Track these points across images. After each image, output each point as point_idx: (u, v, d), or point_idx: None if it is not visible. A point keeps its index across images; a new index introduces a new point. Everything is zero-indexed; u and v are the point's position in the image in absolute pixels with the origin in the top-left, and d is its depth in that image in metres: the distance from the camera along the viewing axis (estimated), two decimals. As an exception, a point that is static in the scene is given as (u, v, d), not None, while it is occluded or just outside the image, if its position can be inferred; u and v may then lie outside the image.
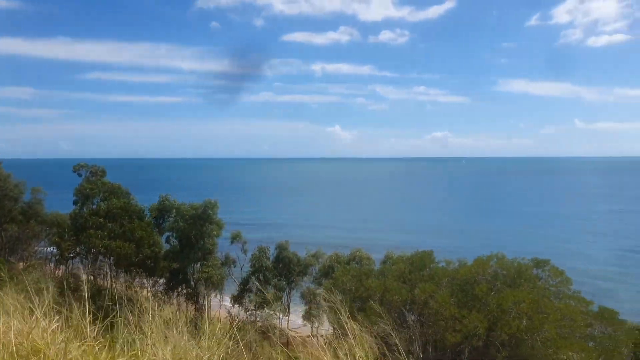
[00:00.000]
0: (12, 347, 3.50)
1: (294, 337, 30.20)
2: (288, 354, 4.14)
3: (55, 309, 4.04)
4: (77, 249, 36.55)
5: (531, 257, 20.06)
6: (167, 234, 35.93)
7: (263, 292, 31.89)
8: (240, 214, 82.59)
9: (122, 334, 3.94)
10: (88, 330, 3.83)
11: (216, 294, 34.94)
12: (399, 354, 3.71)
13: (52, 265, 41.16)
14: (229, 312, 33.61)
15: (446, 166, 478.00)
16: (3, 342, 3.57)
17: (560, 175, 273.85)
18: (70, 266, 39.83)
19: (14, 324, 3.74)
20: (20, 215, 38.39)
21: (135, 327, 3.95)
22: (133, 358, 3.67)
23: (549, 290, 18.57)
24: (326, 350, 3.56)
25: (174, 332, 3.87)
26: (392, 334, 4.04)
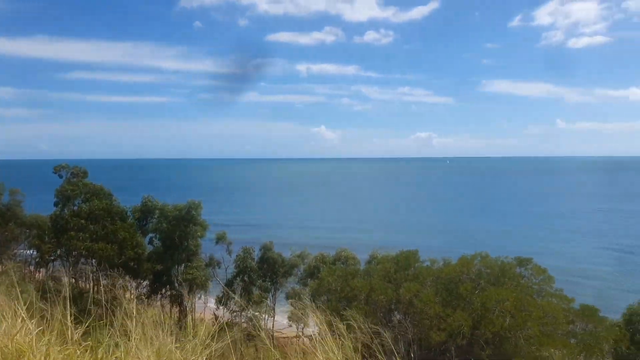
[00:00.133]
0: None
1: (280, 337, 30.15)
2: (274, 355, 4.11)
3: (38, 312, 3.96)
4: (58, 251, 35.94)
5: (514, 256, 20.31)
6: (150, 235, 35.55)
7: (248, 293, 31.75)
8: (225, 215, 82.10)
9: (105, 337, 3.87)
10: (69, 333, 3.75)
11: (200, 296, 34.66)
12: (384, 354, 3.70)
13: (32, 268, 40.39)
14: (213, 313, 33.37)
15: (430, 166, 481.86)
16: None
17: (543, 175, 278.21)
18: (51, 269, 39.14)
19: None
20: (-2, 218, 37.64)
21: (119, 330, 3.89)
22: None
23: (531, 288, 18.83)
24: (312, 350, 3.55)
25: (159, 334, 3.82)
26: (381, 332, 4.04)
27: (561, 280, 21.62)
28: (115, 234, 31.90)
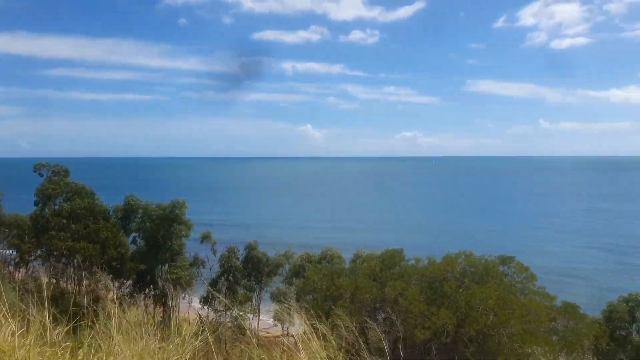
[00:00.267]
0: None
1: (265, 337, 30.06)
2: (259, 354, 4.08)
3: (18, 312, 3.88)
4: (38, 251, 35.33)
5: (498, 255, 20.53)
6: (133, 234, 35.16)
7: (233, 293, 31.60)
8: (210, 215, 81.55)
9: (87, 338, 3.81)
10: (49, 334, 3.68)
11: (185, 295, 34.40)
12: (369, 352, 3.70)
13: (11, 268, 39.63)
14: (198, 313, 33.13)
15: (415, 165, 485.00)
16: None
17: (526, 175, 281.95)
18: (31, 269, 38.45)
19: None
20: (-24, 217, 36.86)
21: (101, 330, 3.83)
22: None
23: (515, 286, 19.06)
24: (297, 349, 3.53)
25: (141, 334, 3.77)
26: (366, 331, 4.03)
27: (545, 279, 21.91)
28: (97, 234, 31.48)
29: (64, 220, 31.99)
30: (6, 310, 3.75)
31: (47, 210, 33.58)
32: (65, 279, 35.50)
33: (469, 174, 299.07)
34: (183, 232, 32.87)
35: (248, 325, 32.35)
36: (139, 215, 34.71)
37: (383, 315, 18.00)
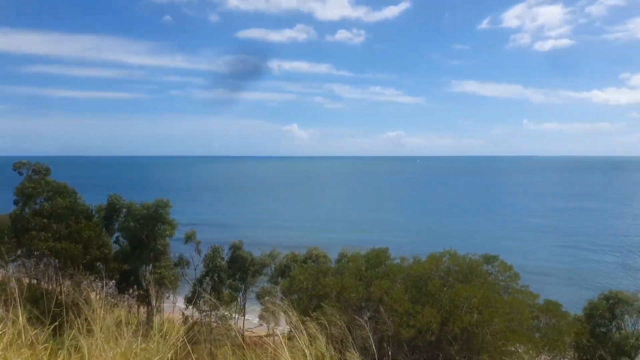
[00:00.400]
0: None
1: (251, 336, 29.95)
2: (245, 353, 4.04)
3: None
4: (19, 252, 34.60)
5: (482, 253, 20.73)
6: (116, 234, 34.70)
7: (218, 293, 31.39)
8: (194, 214, 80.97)
9: (68, 338, 3.74)
10: (29, 335, 3.59)
11: (169, 295, 34.08)
12: (355, 351, 3.70)
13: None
14: (182, 313, 32.86)
15: (401, 165, 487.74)
16: None
17: (508, 174, 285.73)
18: (11, 270, 37.65)
19: None
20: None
21: (81, 330, 3.76)
22: None
23: (498, 285, 19.26)
24: (282, 349, 3.51)
25: (124, 334, 3.72)
26: (351, 329, 4.02)
27: (526, 278, 22.15)
28: (79, 233, 30.94)
29: (45, 220, 31.37)
30: None
31: (27, 210, 32.91)
32: (46, 279, 34.86)
33: (453, 174, 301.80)
34: (167, 232, 32.54)
35: (234, 325, 32.19)
36: (122, 215, 34.27)
37: (369, 314, 18.05)
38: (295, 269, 25.01)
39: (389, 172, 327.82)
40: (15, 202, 33.53)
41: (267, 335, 29.54)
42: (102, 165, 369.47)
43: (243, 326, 33.37)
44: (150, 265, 32.43)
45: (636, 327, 20.88)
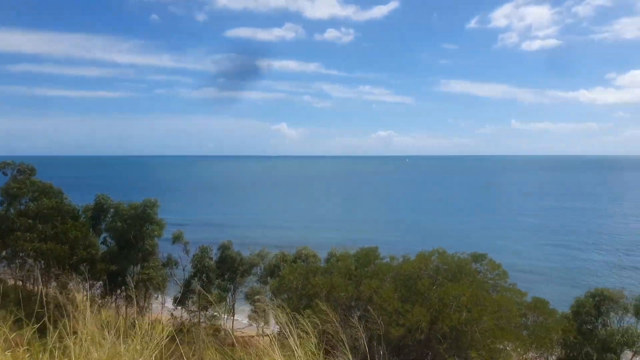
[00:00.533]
0: None
1: (240, 336, 29.81)
2: (235, 353, 4.00)
3: None
4: (4, 253, 34.10)
5: (470, 252, 20.84)
6: (103, 235, 34.34)
7: (206, 293, 31.21)
8: (183, 214, 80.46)
9: (51, 340, 3.68)
10: (11, 337, 3.52)
11: (157, 296, 33.80)
12: (345, 350, 3.68)
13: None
14: (171, 314, 32.62)
15: (390, 164, 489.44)
16: None
17: (497, 174, 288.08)
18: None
19: None
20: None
21: (69, 333, 3.70)
22: None
23: (487, 283, 19.39)
24: (272, 349, 3.47)
25: (110, 336, 3.66)
26: (339, 330, 4.00)
27: (513, 276, 22.33)
28: (66, 234, 30.56)
29: (30, 221, 30.95)
30: None
31: (12, 210, 32.45)
32: (32, 281, 34.40)
33: (442, 173, 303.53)
34: (155, 232, 32.28)
35: (223, 325, 32.03)
36: (109, 215, 33.92)
37: (358, 313, 18.05)
38: (285, 268, 24.96)
39: (378, 172, 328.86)
40: (0, 203, 33.06)
41: (256, 335, 29.44)
42: (91, 165, 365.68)
43: (232, 326, 33.22)
44: (139, 266, 32.15)
45: (621, 324, 21.14)
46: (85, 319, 3.75)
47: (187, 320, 31.92)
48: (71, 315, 3.84)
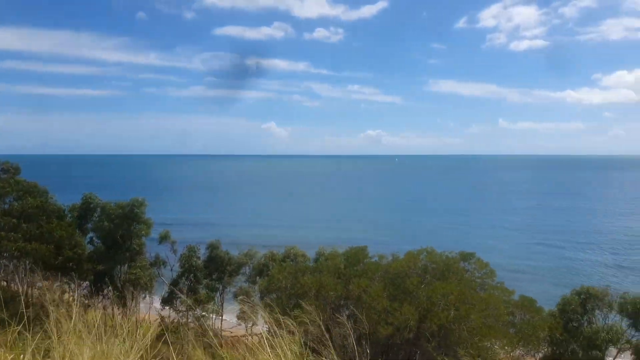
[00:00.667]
0: None
1: (229, 336, 29.68)
2: (223, 354, 3.97)
3: None
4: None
5: (459, 251, 20.98)
6: (90, 234, 33.97)
7: (194, 293, 31.03)
8: (171, 213, 79.95)
9: (31, 342, 3.62)
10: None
11: (145, 296, 33.54)
12: (334, 349, 3.67)
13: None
14: (158, 314, 32.37)
15: (379, 164, 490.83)
16: None
17: (484, 173, 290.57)
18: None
19: None
20: None
21: (55, 334, 3.64)
22: None
23: (475, 281, 19.52)
24: (261, 348, 3.45)
25: (97, 337, 3.61)
26: (324, 329, 3.99)
27: (501, 275, 22.52)
28: (51, 234, 30.14)
29: (15, 220, 30.45)
30: None
31: (-4, 210, 31.90)
32: (16, 281, 33.89)
33: (430, 172, 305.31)
34: (143, 232, 32.00)
35: (211, 325, 31.86)
36: (96, 215, 33.56)
37: (347, 312, 18.07)
38: (274, 268, 24.90)
39: (367, 171, 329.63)
40: (-17, 202, 32.50)
41: (244, 335, 29.35)
42: (78, 165, 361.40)
43: (221, 326, 33.07)
44: (126, 266, 31.86)
45: (606, 322, 21.44)
46: (70, 319, 3.70)
47: (175, 320, 31.70)
48: (55, 316, 3.78)
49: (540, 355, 21.49)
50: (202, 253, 33.21)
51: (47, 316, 3.84)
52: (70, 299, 30.82)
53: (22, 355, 3.43)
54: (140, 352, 3.48)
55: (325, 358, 3.72)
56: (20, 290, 31.76)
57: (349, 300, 18.33)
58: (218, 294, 33.24)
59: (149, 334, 3.59)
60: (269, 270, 26.94)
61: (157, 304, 33.85)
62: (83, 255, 31.93)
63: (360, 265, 20.02)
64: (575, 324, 21.44)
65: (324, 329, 3.89)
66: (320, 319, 4.09)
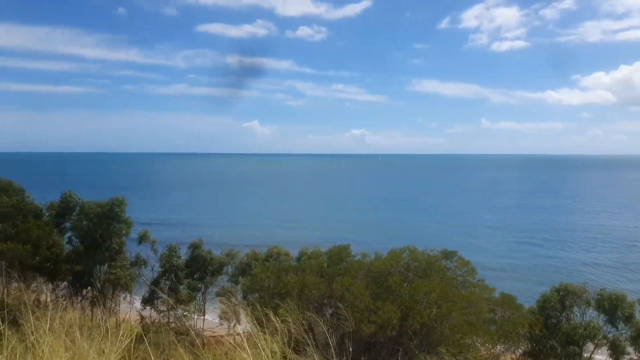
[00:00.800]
0: None
1: (211, 336, 29.47)
2: (203, 353, 3.91)
3: None
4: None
5: (440, 249, 21.17)
6: (68, 234, 33.29)
7: (175, 293, 30.70)
8: (150, 213, 79.04)
9: (11, 343, 3.51)
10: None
11: (125, 296, 33.07)
12: (317, 347, 3.65)
13: None
14: (139, 314, 31.96)
15: (363, 163, 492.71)
16: None
17: (466, 172, 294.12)
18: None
19: None
20: None
21: (32, 335, 3.54)
22: None
23: (456, 279, 19.72)
24: (242, 347, 3.41)
25: (75, 337, 3.52)
26: (313, 327, 3.96)
27: (481, 273, 22.79)
28: (28, 233, 29.48)
29: (-10, 220, 29.73)
30: None
31: (-30, 209, 31.07)
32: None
33: (413, 171, 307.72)
34: (123, 231, 31.50)
35: (193, 325, 31.58)
36: (75, 214, 32.90)
37: (330, 311, 18.07)
38: (257, 267, 24.77)
39: (350, 170, 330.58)
40: (-43, 201, 31.63)
41: (226, 335, 29.16)
42: (55, 163, 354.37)
43: (203, 326, 32.81)
44: (106, 265, 31.34)
45: (584, 318, 21.88)
46: (48, 319, 3.61)
47: (156, 320, 31.33)
48: (33, 316, 3.69)
49: (520, 351, 21.82)
50: (184, 253, 32.88)
51: (24, 317, 3.74)
52: (48, 299, 30.24)
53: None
54: (119, 352, 3.40)
55: (306, 357, 3.70)
56: (-4, 291, 31.04)
57: (332, 299, 18.33)
58: (200, 294, 32.95)
59: (127, 334, 3.51)
60: (252, 269, 26.78)
61: (137, 304, 33.41)
62: (61, 255, 31.33)
63: (343, 264, 20.04)
64: (554, 321, 21.83)
65: (306, 328, 3.86)
66: (302, 318, 4.06)
